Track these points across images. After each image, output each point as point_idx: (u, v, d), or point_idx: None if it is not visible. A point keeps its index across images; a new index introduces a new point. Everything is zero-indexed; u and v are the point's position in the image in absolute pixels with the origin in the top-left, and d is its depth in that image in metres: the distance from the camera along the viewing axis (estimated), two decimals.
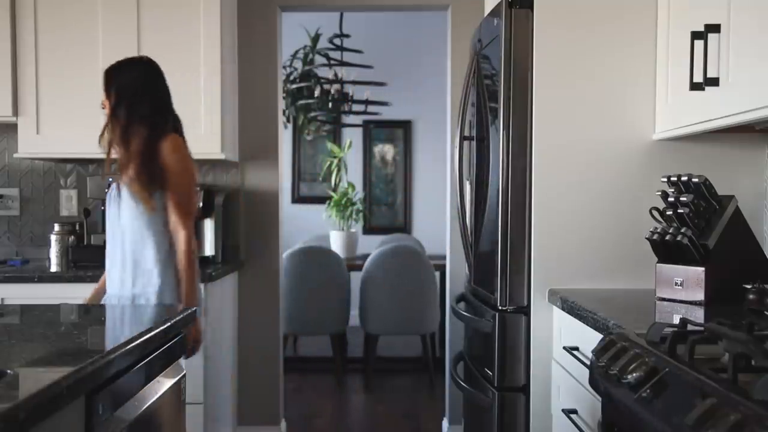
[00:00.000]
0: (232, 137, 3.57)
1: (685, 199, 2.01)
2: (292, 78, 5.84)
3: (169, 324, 1.76)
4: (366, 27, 6.50)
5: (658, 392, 1.26)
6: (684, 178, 2.04)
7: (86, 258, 3.25)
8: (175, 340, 1.83)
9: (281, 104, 3.87)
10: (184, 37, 3.30)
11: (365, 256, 5.21)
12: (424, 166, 7.36)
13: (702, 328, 1.35)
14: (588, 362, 1.78)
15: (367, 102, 5.93)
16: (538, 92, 2.34)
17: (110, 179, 2.65)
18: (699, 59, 1.87)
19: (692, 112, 2.04)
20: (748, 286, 1.80)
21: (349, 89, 5.99)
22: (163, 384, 1.74)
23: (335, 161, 5.96)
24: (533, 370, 2.35)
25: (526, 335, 2.36)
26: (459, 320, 2.86)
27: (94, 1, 3.30)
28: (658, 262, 2.10)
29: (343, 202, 5.67)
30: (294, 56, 5.96)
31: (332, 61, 5.89)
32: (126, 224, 2.45)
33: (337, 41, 5.89)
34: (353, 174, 6.88)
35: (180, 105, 3.26)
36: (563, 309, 2.16)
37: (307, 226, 6.78)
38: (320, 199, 6.65)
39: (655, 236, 2.06)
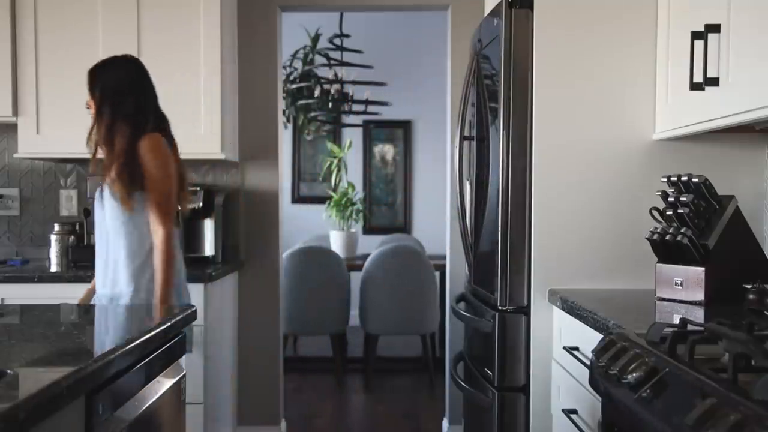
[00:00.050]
0: (232, 137, 3.57)
1: (685, 199, 2.01)
2: (292, 78, 5.84)
3: (169, 324, 1.76)
4: (366, 27, 6.50)
5: (658, 392, 1.26)
6: (684, 178, 2.04)
7: (86, 258, 3.24)
8: (175, 340, 1.83)
9: (281, 104, 3.87)
10: (184, 37, 3.30)
11: (365, 256, 5.21)
12: (424, 166, 7.36)
13: (702, 328, 1.35)
14: (588, 362, 1.78)
15: (367, 102, 5.93)
16: (538, 92, 2.34)
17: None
18: (699, 59, 1.87)
19: (692, 112, 2.04)
20: (748, 286, 1.80)
21: (349, 89, 5.99)
22: (163, 384, 1.74)
23: (335, 161, 5.96)
24: (533, 370, 2.35)
25: (526, 335, 2.36)
26: (459, 320, 2.86)
27: (94, 1, 3.31)
28: (658, 262, 2.10)
29: (343, 202, 5.67)
30: (294, 56, 5.96)
31: (332, 61, 5.89)
32: (109, 225, 2.46)
33: (337, 41, 5.89)
34: (353, 174, 6.88)
35: (180, 105, 3.28)
36: (563, 309, 2.16)
37: (307, 226, 6.78)
38: (320, 199, 6.65)
39: (655, 236, 2.06)
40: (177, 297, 2.51)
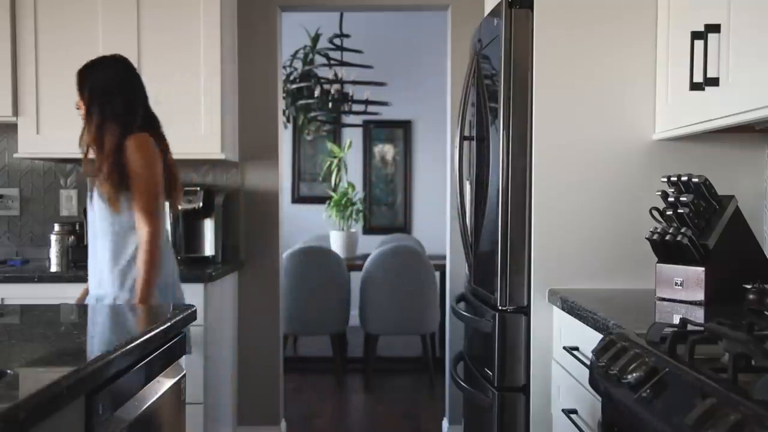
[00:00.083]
0: (232, 137, 3.57)
1: (685, 199, 2.01)
2: (292, 78, 5.84)
3: (169, 324, 1.76)
4: (366, 27, 6.50)
5: (658, 392, 1.26)
6: (684, 178, 2.04)
7: (86, 258, 3.22)
8: (175, 340, 1.83)
9: (281, 104, 3.87)
10: (184, 37, 3.30)
11: (365, 256, 5.21)
12: (424, 166, 7.36)
13: (702, 328, 1.35)
14: (588, 362, 1.78)
15: (367, 102, 5.93)
16: (538, 92, 2.34)
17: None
18: (699, 59, 1.87)
19: (692, 112, 2.04)
20: (748, 286, 1.80)
21: (349, 89, 5.99)
22: (163, 384, 1.74)
23: (335, 161, 5.96)
24: (533, 370, 2.35)
25: (526, 335, 2.36)
26: (459, 320, 2.86)
27: (94, 1, 3.31)
28: (658, 262, 2.10)
29: (343, 202, 5.67)
30: (294, 56, 5.96)
31: (332, 61, 5.89)
32: (98, 225, 2.46)
33: (337, 41, 5.89)
34: (353, 174, 6.88)
35: (180, 105, 3.29)
36: (563, 309, 2.16)
37: (307, 226, 6.78)
38: (320, 199, 6.65)
39: (655, 236, 2.06)
40: (170, 297, 2.50)
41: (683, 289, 2.01)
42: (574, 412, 2.03)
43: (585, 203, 2.35)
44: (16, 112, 3.32)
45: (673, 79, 2.20)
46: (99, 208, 2.45)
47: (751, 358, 1.16)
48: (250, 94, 3.73)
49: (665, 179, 2.11)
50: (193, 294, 2.97)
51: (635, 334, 1.53)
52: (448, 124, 3.84)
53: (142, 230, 2.40)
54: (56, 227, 3.28)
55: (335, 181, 5.95)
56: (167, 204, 2.61)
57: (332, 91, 5.87)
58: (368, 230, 7.29)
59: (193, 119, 3.29)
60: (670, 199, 2.05)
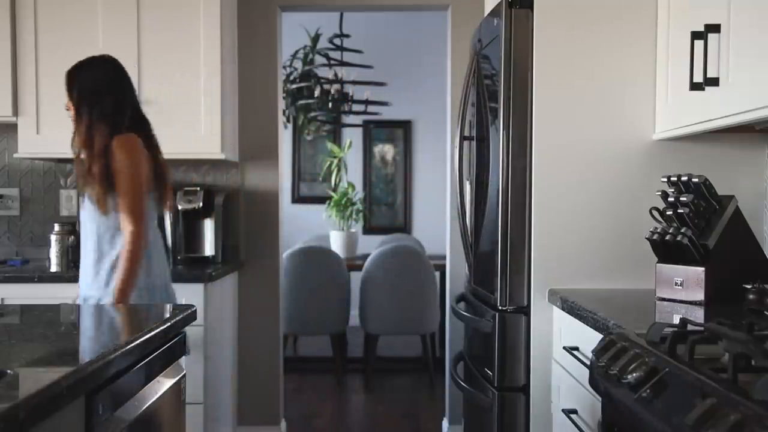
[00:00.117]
0: (232, 137, 3.57)
1: (685, 199, 2.01)
2: (292, 78, 5.84)
3: (169, 324, 1.76)
4: (366, 27, 6.50)
5: (658, 392, 1.26)
6: (684, 178, 2.04)
7: None
8: (175, 340, 1.83)
9: (281, 104, 3.87)
10: (184, 38, 3.30)
11: (365, 256, 5.21)
12: (424, 166, 7.36)
13: (702, 328, 1.35)
14: (588, 362, 1.78)
15: (367, 102, 5.93)
16: (538, 92, 2.34)
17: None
18: (699, 59, 1.87)
19: (692, 112, 2.04)
20: (748, 286, 1.80)
21: (349, 89, 5.99)
22: (163, 384, 1.74)
23: (335, 161, 5.96)
24: (533, 370, 2.35)
25: (526, 335, 2.36)
26: (459, 320, 2.86)
27: (94, 1, 3.30)
28: (658, 262, 2.10)
29: (343, 202, 5.67)
30: (294, 56, 5.96)
31: (332, 61, 5.89)
32: (87, 227, 2.47)
33: (337, 41, 5.89)
34: (353, 174, 6.88)
35: (180, 105, 3.29)
36: (563, 309, 2.16)
37: (307, 226, 6.78)
38: (320, 199, 6.65)
39: (655, 236, 2.06)
40: (157, 300, 2.49)
41: (683, 289, 2.01)
42: (574, 412, 2.03)
43: (585, 203, 2.35)
44: (16, 112, 3.32)
45: (673, 79, 2.20)
46: (88, 209, 2.45)
47: (751, 358, 1.17)
48: (250, 94, 3.73)
49: (665, 179, 2.11)
50: (193, 294, 2.97)
51: (635, 334, 1.53)
52: (448, 124, 3.84)
53: (126, 230, 2.39)
54: (56, 227, 3.28)
55: (335, 181, 5.95)
56: (157, 205, 2.59)
57: (332, 91, 5.87)
58: (368, 230, 7.29)
59: (193, 119, 3.29)
60: (670, 199, 2.05)
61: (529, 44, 2.34)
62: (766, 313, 1.74)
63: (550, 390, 2.34)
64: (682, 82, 2.01)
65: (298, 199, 7.40)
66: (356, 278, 5.10)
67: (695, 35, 1.89)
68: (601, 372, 1.48)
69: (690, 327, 1.42)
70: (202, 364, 3.01)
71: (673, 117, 2.20)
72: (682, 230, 1.98)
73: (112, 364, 1.38)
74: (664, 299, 2.06)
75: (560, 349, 2.21)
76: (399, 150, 7.45)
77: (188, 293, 2.96)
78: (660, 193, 2.10)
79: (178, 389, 1.85)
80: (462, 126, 2.78)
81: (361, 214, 6.03)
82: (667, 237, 2.01)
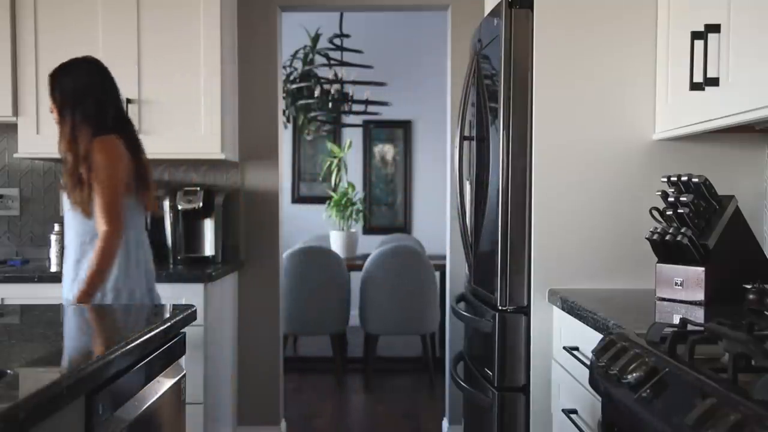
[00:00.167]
0: (232, 137, 3.57)
1: (685, 199, 2.01)
2: (292, 78, 5.84)
3: (169, 324, 1.76)
4: (366, 27, 6.50)
5: (658, 392, 1.26)
6: (684, 178, 2.04)
7: None
8: (175, 340, 1.83)
9: (281, 104, 3.87)
10: (184, 38, 3.30)
11: (365, 256, 5.21)
12: (424, 166, 7.36)
13: (702, 328, 1.35)
14: (588, 362, 1.78)
15: (367, 102, 5.93)
16: (538, 92, 2.34)
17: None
18: (699, 59, 1.87)
19: (692, 112, 2.04)
20: (748, 286, 1.80)
21: (349, 89, 5.99)
22: (163, 384, 1.74)
23: (335, 161, 5.96)
24: (533, 370, 2.35)
25: (526, 335, 2.36)
26: (459, 320, 2.86)
27: (94, 1, 3.30)
28: (658, 262, 2.10)
29: (343, 202, 5.67)
30: (294, 56, 5.96)
31: (332, 61, 5.89)
32: (71, 228, 2.46)
33: (337, 41, 5.89)
34: (353, 174, 6.88)
35: (180, 105, 3.29)
36: (563, 309, 2.16)
37: (307, 226, 6.78)
38: (320, 199, 6.65)
39: (655, 236, 2.06)
40: (138, 301, 2.48)
41: (683, 289, 2.01)
42: (574, 412, 2.04)
43: (585, 203, 2.35)
44: (16, 112, 3.32)
45: (673, 79, 2.20)
46: (70, 215, 2.44)
47: (751, 358, 1.17)
48: (250, 94, 3.73)
49: (665, 179, 2.11)
50: (193, 294, 2.98)
51: (635, 334, 1.53)
52: (448, 124, 3.84)
53: (100, 229, 2.37)
54: (56, 227, 3.28)
55: (335, 181, 5.95)
56: (140, 206, 2.55)
57: (332, 91, 5.87)
58: (368, 230, 7.29)
59: (193, 119, 3.29)
60: (670, 199, 2.05)
61: (529, 44, 2.34)
62: (766, 313, 1.74)
63: (550, 390, 2.34)
64: (682, 82, 2.01)
65: (298, 199, 7.40)
66: (356, 278, 5.10)
67: (695, 35, 1.89)
68: (601, 372, 1.48)
69: (690, 327, 1.42)
70: (202, 364, 3.01)
71: (673, 117, 2.20)
72: (682, 230, 1.98)
73: (112, 364, 1.38)
74: (664, 299, 2.06)
75: (560, 349, 2.21)
76: (399, 150, 7.45)
77: (188, 293, 2.96)
78: (660, 193, 2.10)
79: (178, 389, 1.85)
80: (462, 126, 2.78)
81: (361, 214, 6.03)
82: (667, 237, 2.01)
